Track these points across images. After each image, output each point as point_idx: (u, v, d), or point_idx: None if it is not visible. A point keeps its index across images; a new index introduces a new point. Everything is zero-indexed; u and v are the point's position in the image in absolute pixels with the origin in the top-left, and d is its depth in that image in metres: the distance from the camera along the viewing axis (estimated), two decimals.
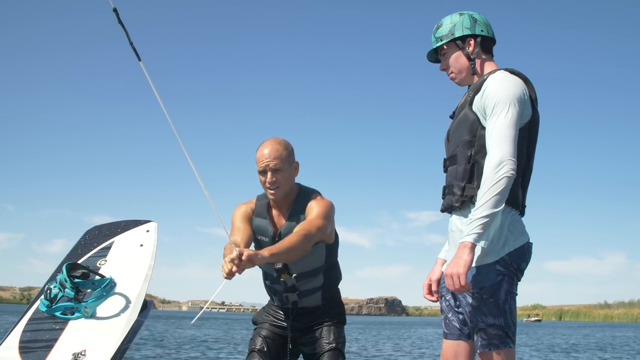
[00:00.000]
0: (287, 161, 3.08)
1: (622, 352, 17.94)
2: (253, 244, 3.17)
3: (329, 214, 3.04)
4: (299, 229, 2.92)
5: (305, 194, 3.16)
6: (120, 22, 2.33)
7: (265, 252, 2.69)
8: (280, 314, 3.32)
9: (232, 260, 2.57)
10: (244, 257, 2.57)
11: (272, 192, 3.08)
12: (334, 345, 3.15)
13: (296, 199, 3.14)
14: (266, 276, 3.28)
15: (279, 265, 3.11)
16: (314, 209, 3.05)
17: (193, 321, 3.32)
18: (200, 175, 2.37)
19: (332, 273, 3.27)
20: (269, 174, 3.04)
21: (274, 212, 3.18)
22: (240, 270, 2.60)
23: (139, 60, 2.36)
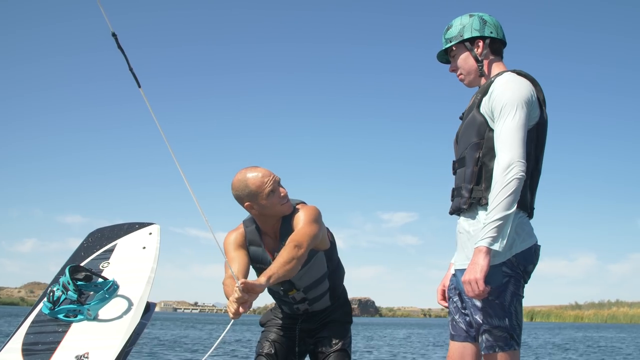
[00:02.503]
0: None
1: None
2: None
3: (316, 219, 3.00)
4: (289, 241, 2.85)
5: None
6: (119, 47, 2.25)
7: (263, 278, 2.63)
8: (289, 316, 3.32)
9: (237, 300, 2.55)
10: (245, 294, 2.55)
11: (287, 204, 3.03)
12: (339, 346, 3.17)
13: (284, 217, 3.06)
14: (273, 293, 3.27)
15: (284, 287, 3.11)
16: (300, 217, 3.01)
17: (204, 358, 3.37)
18: (182, 177, 2.29)
19: (336, 274, 3.28)
20: (281, 187, 3.00)
21: (265, 235, 3.11)
22: (246, 309, 2.59)
23: (139, 87, 2.29)
